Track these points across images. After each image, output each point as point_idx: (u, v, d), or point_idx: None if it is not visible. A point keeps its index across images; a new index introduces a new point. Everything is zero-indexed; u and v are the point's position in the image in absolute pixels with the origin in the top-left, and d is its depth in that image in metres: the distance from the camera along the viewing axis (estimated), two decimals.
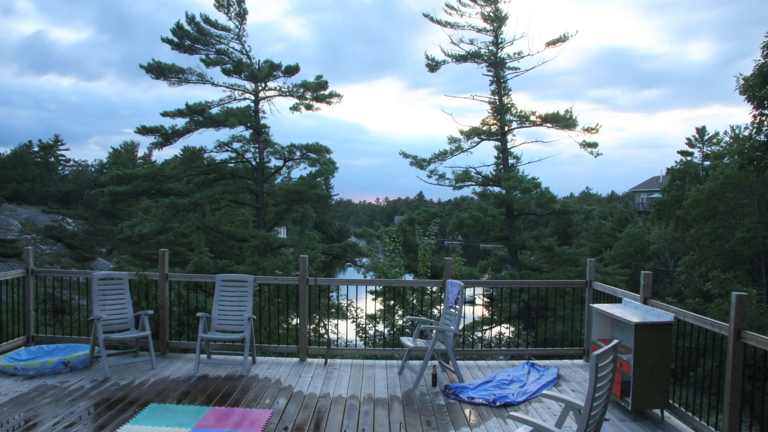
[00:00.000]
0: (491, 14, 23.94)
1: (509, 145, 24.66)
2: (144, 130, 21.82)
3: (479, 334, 14.58)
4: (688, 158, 37.75)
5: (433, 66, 25.02)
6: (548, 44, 23.96)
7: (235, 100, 23.02)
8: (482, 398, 5.07)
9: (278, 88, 23.08)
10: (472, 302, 15.02)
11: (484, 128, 24.46)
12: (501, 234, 23.68)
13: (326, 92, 23.13)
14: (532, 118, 23.79)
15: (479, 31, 24.52)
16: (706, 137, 39.07)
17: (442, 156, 24.72)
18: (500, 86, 24.43)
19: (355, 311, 11.08)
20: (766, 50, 14.68)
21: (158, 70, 21.71)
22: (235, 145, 22.87)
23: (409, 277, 11.86)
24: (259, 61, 22.87)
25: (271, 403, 4.93)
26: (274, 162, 23.75)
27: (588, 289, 6.45)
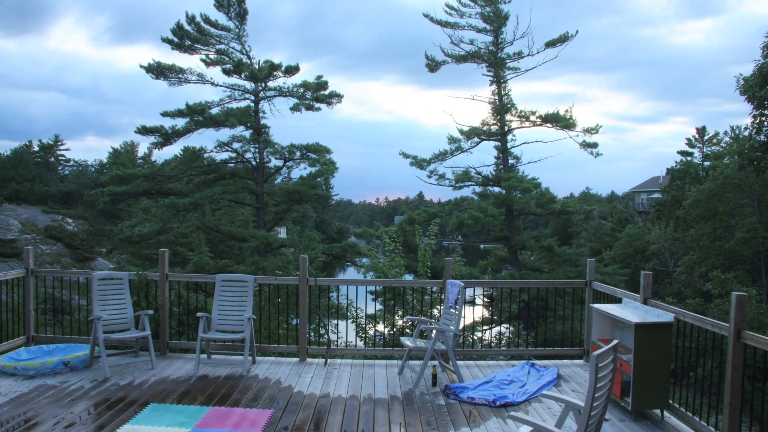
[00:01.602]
0: (491, 14, 23.94)
1: (509, 145, 24.68)
2: (144, 130, 21.83)
3: (479, 334, 14.57)
4: (688, 158, 37.74)
5: (433, 66, 25.03)
6: (548, 44, 23.96)
7: (235, 100, 23.05)
8: (482, 398, 5.07)
9: (278, 88, 23.11)
10: (472, 302, 15.02)
11: (484, 128, 24.47)
12: (501, 234, 23.68)
13: (326, 92, 23.15)
14: (532, 118, 23.81)
15: (479, 31, 24.53)
16: (706, 137, 39.07)
17: (442, 156, 24.73)
18: (500, 86, 24.43)
19: (355, 311, 11.07)
20: (766, 50, 14.67)
21: (158, 70, 21.71)
22: (235, 145, 22.89)
23: (409, 277, 11.85)
24: (260, 61, 22.91)
25: (271, 403, 4.93)
26: (274, 162, 23.79)
27: (588, 289, 6.45)
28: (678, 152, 39.53)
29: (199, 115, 21.51)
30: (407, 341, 5.84)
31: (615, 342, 3.09)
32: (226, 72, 22.50)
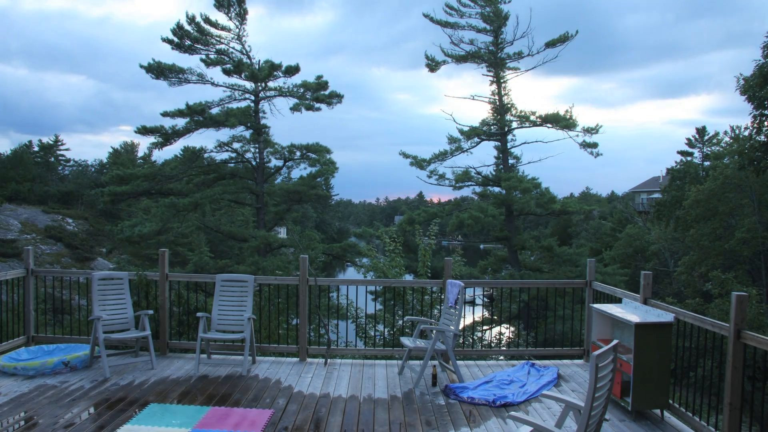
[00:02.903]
0: (491, 14, 23.94)
1: (509, 145, 24.67)
2: (144, 130, 21.81)
3: (479, 335, 14.58)
4: (688, 158, 37.75)
5: (433, 66, 25.03)
6: (548, 44, 23.95)
7: (235, 100, 23.04)
8: (482, 398, 5.07)
9: (278, 88, 23.10)
10: (472, 302, 15.01)
11: (484, 128, 24.46)
12: (501, 234, 23.67)
13: (326, 92, 23.14)
14: (532, 118, 23.80)
15: (479, 31, 24.52)
16: (706, 137, 39.08)
17: (442, 156, 24.73)
18: (500, 86, 24.43)
19: (355, 311, 11.07)
20: (766, 50, 14.67)
21: (158, 70, 21.70)
22: (235, 145, 22.87)
23: (409, 277, 11.85)
24: (260, 61, 22.90)
25: (271, 403, 4.93)
26: (274, 162, 23.77)
27: (588, 289, 6.44)
28: (678, 152, 39.59)
29: (199, 115, 21.49)
30: (407, 341, 5.83)
31: (615, 342, 3.09)
32: (226, 72, 22.49)
